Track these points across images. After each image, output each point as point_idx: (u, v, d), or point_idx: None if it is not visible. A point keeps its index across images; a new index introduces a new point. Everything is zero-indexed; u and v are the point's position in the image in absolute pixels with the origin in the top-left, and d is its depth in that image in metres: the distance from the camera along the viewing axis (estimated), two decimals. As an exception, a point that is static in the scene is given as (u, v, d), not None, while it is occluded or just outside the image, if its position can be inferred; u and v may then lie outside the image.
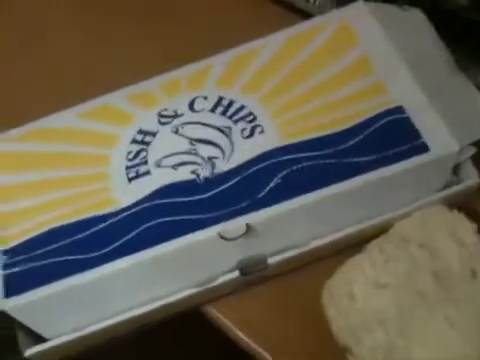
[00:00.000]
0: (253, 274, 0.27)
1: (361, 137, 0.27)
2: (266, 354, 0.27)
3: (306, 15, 0.37)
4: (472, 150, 0.26)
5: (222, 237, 0.26)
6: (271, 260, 0.27)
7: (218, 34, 0.36)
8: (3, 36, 0.40)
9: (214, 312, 0.29)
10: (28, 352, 0.26)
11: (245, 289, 0.28)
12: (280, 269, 0.28)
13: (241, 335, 0.28)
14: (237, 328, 0.28)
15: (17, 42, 0.39)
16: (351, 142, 0.27)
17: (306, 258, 0.28)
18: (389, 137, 0.27)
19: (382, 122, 0.28)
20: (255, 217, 0.26)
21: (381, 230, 0.27)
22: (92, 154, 0.30)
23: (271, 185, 0.27)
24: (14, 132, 0.31)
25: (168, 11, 0.39)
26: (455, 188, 0.27)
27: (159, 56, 0.36)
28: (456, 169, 0.27)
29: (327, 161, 0.27)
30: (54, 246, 0.27)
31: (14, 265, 0.27)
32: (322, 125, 0.28)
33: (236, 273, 0.27)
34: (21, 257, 0.27)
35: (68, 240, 0.27)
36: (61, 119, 0.31)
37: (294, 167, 0.27)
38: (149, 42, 0.37)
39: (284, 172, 0.27)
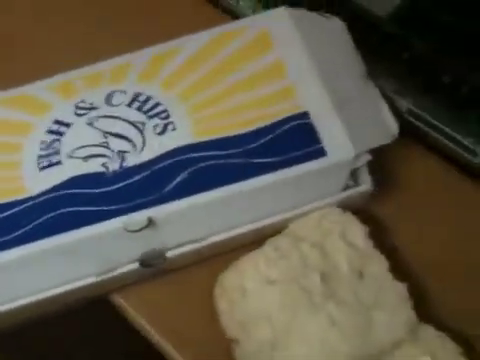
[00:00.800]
0: (153, 266, 0.28)
1: (266, 139, 0.29)
2: (165, 343, 0.29)
3: (236, 17, 0.38)
4: (367, 157, 0.28)
5: (125, 229, 0.27)
6: (170, 253, 0.28)
7: (152, 31, 0.37)
8: None
9: (120, 301, 0.30)
10: None
11: (149, 280, 0.30)
12: (179, 263, 0.29)
13: (143, 323, 0.29)
14: (141, 317, 0.30)
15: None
16: (257, 143, 0.29)
17: (205, 253, 0.29)
18: (291, 141, 0.28)
19: (287, 126, 0.29)
20: (158, 211, 0.27)
21: (280, 228, 0.29)
22: (6, 142, 0.30)
23: (177, 180, 0.28)
24: None
25: (107, 5, 0.40)
26: (349, 192, 0.28)
27: (87, 50, 0.36)
28: (353, 174, 0.29)
29: (233, 161, 0.28)
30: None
31: None
32: (233, 125, 0.29)
33: (136, 264, 0.28)
34: None
35: (-26, 225, 0.28)
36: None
37: (201, 164, 0.28)
38: (83, 35, 0.38)
39: (191, 169, 0.28)
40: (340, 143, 0.28)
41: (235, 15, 0.38)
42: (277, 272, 0.27)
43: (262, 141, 0.29)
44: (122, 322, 0.31)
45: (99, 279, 0.28)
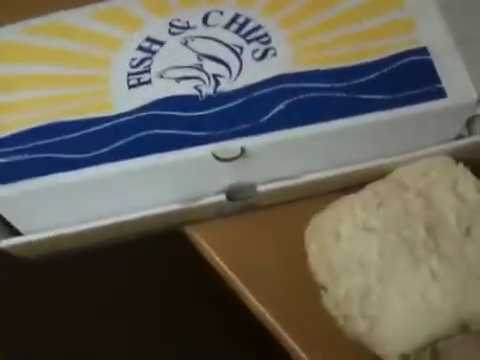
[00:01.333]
0: (240, 200, 0.27)
1: (377, 74, 0.26)
2: (239, 282, 0.27)
3: None
4: (488, 104, 0.25)
5: (215, 157, 0.26)
6: (261, 188, 0.26)
7: None
8: None
9: (194, 233, 0.29)
10: (3, 243, 0.26)
11: (230, 215, 0.28)
12: (269, 199, 0.27)
13: (217, 259, 0.28)
14: (214, 252, 0.28)
15: None
16: (366, 78, 0.26)
17: (298, 192, 0.27)
18: (407, 78, 0.26)
19: (403, 61, 0.26)
20: (252, 141, 0.25)
21: (380, 174, 0.26)
22: (96, 55, 0.28)
23: (274, 111, 0.26)
24: (24, 24, 0.30)
25: None
26: (466, 141, 0.26)
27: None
28: (469, 122, 0.26)
29: (338, 94, 0.26)
30: (44, 142, 0.26)
31: (0, 156, 0.27)
32: (339, 56, 0.27)
33: (222, 196, 0.26)
34: (8, 149, 0.27)
35: (59, 138, 0.26)
36: (70, 17, 0.30)
37: (302, 96, 0.26)
38: None
39: (290, 100, 0.26)
40: (461, 85, 0.25)
41: None
42: (376, 219, 0.25)
43: (373, 76, 0.26)
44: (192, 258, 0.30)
45: (182, 207, 0.26)
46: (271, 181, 0.26)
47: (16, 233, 0.27)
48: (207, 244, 0.29)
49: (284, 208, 0.28)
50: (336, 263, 0.25)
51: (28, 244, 0.27)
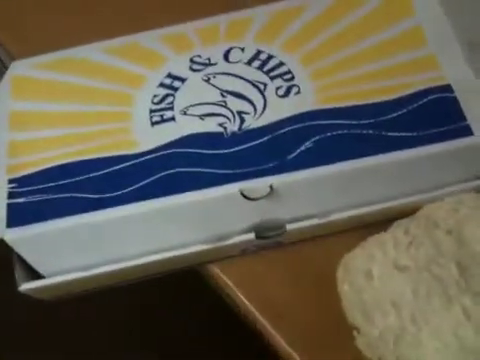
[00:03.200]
0: (269, 238, 0.26)
1: (404, 111, 0.26)
2: (264, 320, 0.27)
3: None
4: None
5: (243, 195, 0.25)
6: (289, 226, 0.26)
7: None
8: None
9: (218, 271, 0.28)
10: (24, 287, 0.25)
11: (256, 253, 0.28)
12: (297, 237, 0.27)
13: (241, 296, 0.27)
14: (238, 289, 0.27)
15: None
16: (392, 115, 0.26)
17: (326, 229, 0.27)
18: (433, 115, 0.26)
19: (428, 98, 0.26)
20: (280, 179, 0.25)
21: (410, 211, 0.26)
22: (117, 92, 0.28)
23: (301, 148, 0.26)
24: (42, 58, 0.30)
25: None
26: (494, 178, 0.26)
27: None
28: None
29: (364, 131, 0.26)
30: (66, 181, 0.26)
31: (20, 195, 0.26)
32: (364, 93, 0.27)
33: (251, 235, 0.26)
34: (29, 188, 0.26)
35: (81, 177, 0.26)
36: (89, 52, 0.30)
37: (328, 133, 0.26)
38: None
39: (317, 137, 0.26)
40: (488, 122, 0.25)
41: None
42: (408, 258, 0.25)
43: (398, 113, 0.26)
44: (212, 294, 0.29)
45: (210, 247, 0.26)
46: (299, 219, 0.26)
47: (35, 274, 0.27)
48: (231, 282, 0.28)
49: (311, 245, 0.27)
50: (369, 303, 0.25)
51: (50, 287, 0.26)
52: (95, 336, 0.46)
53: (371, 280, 0.25)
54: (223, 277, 0.28)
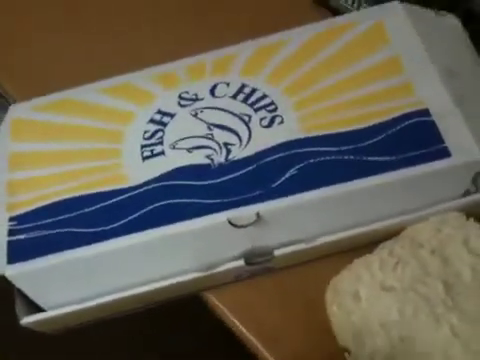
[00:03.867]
0: (258, 264, 0.27)
1: (383, 136, 0.27)
2: (258, 344, 0.27)
3: (336, 12, 0.37)
4: (494, 160, 0.26)
5: (231, 224, 0.26)
6: (277, 252, 0.26)
7: (249, 22, 0.36)
8: (48, 8, 0.40)
9: (213, 298, 0.29)
10: (25, 320, 0.26)
11: (248, 279, 0.28)
12: (286, 262, 0.28)
13: (236, 322, 0.28)
14: (233, 315, 0.28)
15: (61, 13, 0.39)
16: (372, 140, 0.27)
17: (313, 253, 0.27)
18: (411, 139, 0.26)
19: (406, 123, 0.27)
20: (266, 207, 0.26)
21: (394, 232, 0.27)
22: (108, 130, 0.29)
23: (286, 176, 0.27)
24: (40, 100, 0.31)
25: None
26: (474, 197, 0.26)
27: (192, 38, 0.36)
28: (476, 178, 0.27)
29: (346, 157, 0.27)
30: (62, 217, 0.27)
31: (20, 232, 0.27)
32: (344, 121, 0.28)
33: (241, 262, 0.26)
34: (28, 225, 0.27)
35: (76, 212, 0.27)
36: (84, 93, 0.31)
37: (311, 160, 0.27)
38: (184, 25, 0.38)
39: (301, 164, 0.27)
40: (465, 143, 0.26)
41: (336, 10, 0.37)
42: (394, 278, 0.25)
43: (378, 138, 0.27)
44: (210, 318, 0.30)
45: (201, 275, 0.27)
46: (286, 244, 0.27)
47: (36, 308, 0.27)
48: (225, 308, 0.28)
49: (300, 269, 0.28)
50: (358, 324, 0.25)
51: (50, 319, 0.27)
52: (97, 338, 0.45)
53: (359, 301, 0.25)
54: (218, 303, 0.29)
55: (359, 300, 0.25)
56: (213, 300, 0.29)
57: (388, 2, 0.32)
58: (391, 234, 0.27)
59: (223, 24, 0.37)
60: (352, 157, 0.27)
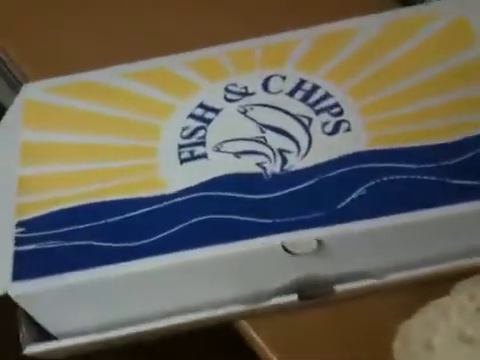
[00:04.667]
0: (313, 299, 0.23)
1: (469, 155, 0.22)
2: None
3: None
4: None
5: (286, 250, 0.21)
6: (339, 287, 0.22)
7: (300, 7, 0.31)
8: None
9: (249, 330, 0.24)
10: (29, 349, 0.21)
11: (295, 311, 0.24)
12: (345, 296, 0.23)
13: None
14: (272, 350, 0.23)
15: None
16: (458, 159, 0.22)
17: (380, 289, 0.23)
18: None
19: (499, 141, 0.23)
20: (329, 232, 0.21)
21: (472, 270, 0.23)
22: (141, 123, 0.25)
23: (353, 196, 0.22)
24: (58, 81, 0.26)
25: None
26: None
27: (234, 24, 0.30)
28: None
29: (426, 177, 0.22)
30: (82, 226, 0.22)
31: (29, 241, 0.22)
32: (424, 133, 0.23)
33: (294, 296, 0.22)
34: (39, 233, 0.22)
35: (99, 222, 0.22)
36: (112, 76, 0.26)
37: (385, 178, 0.22)
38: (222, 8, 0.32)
39: (372, 182, 0.22)
40: None
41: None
42: (476, 327, 0.21)
43: (462, 157, 0.22)
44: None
45: (244, 309, 0.22)
46: (349, 278, 0.22)
47: (43, 333, 0.23)
48: (264, 342, 0.24)
49: (359, 304, 0.23)
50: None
51: (60, 349, 0.22)
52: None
53: (432, 353, 0.21)
54: (254, 336, 0.24)
55: (433, 351, 0.22)
56: (249, 330, 0.25)
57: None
58: (470, 272, 0.23)
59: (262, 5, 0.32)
60: (434, 178, 0.22)
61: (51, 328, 0.22)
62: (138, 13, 0.33)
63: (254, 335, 0.24)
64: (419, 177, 0.22)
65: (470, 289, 0.22)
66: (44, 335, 0.22)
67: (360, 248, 0.22)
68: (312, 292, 0.22)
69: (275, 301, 0.22)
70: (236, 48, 0.27)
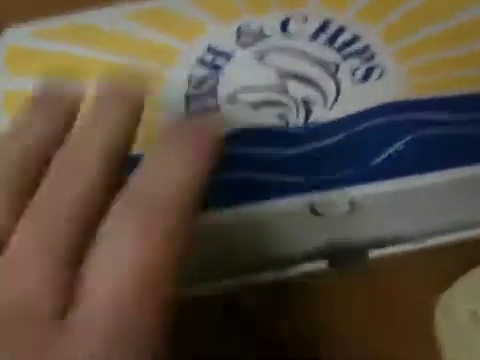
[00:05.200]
0: (345, 267, 0.20)
1: None
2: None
3: None
4: None
5: (314, 212, 0.19)
6: (373, 254, 0.20)
7: None
8: None
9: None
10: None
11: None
12: (380, 265, 0.21)
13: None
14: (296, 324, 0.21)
15: None
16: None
17: (416, 257, 0.20)
18: None
19: None
20: (362, 192, 0.19)
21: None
22: (143, 71, 0.22)
23: (389, 151, 0.19)
24: (46, 24, 0.23)
25: None
26: None
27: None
28: None
29: (471, 131, 0.19)
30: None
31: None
32: (468, 80, 0.20)
33: (324, 263, 0.20)
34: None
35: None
36: (104, 18, 0.23)
37: (425, 131, 0.19)
38: None
39: (409, 136, 0.19)
40: None
41: None
42: None
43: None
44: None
45: (268, 276, 0.20)
46: (385, 243, 0.20)
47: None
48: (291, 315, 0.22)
49: (394, 273, 0.21)
50: (476, 352, 0.19)
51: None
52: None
53: (477, 323, 0.19)
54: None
55: (477, 322, 0.19)
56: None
57: None
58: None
59: None
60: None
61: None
62: None
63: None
64: (463, 130, 0.19)
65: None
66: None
67: (397, 210, 0.19)
68: (344, 258, 0.20)
69: (303, 268, 0.20)
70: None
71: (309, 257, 0.19)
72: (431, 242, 0.19)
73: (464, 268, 0.20)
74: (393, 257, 0.20)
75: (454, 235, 0.19)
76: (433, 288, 0.20)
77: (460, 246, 0.20)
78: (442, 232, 0.20)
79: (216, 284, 0.20)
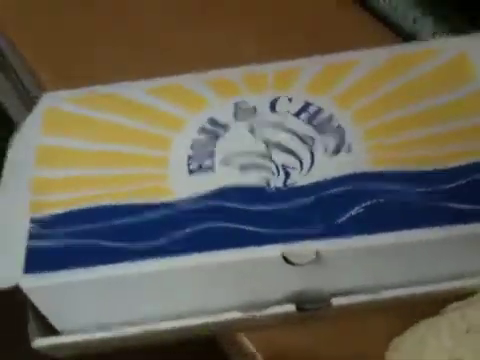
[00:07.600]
0: (310, 311, 0.22)
1: (468, 180, 0.22)
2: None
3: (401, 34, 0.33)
4: None
5: (286, 260, 0.22)
6: (336, 301, 0.22)
7: (314, 38, 0.32)
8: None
9: (243, 338, 0.24)
10: (38, 342, 0.21)
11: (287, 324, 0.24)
12: (340, 311, 0.23)
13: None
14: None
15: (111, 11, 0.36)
16: (454, 184, 0.22)
17: (375, 306, 0.23)
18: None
19: (491, 170, 0.23)
20: (328, 245, 0.21)
21: (466, 294, 0.22)
22: (155, 134, 0.25)
23: (352, 213, 0.22)
24: (77, 92, 0.27)
25: (265, 8, 0.35)
26: None
27: (250, 49, 0.32)
28: None
29: (421, 200, 0.22)
30: (95, 226, 0.22)
31: (43, 237, 0.22)
32: (421, 158, 0.23)
33: (292, 307, 0.22)
34: (53, 230, 0.22)
35: (108, 223, 0.22)
36: (130, 90, 0.27)
37: (382, 199, 0.22)
38: (242, 35, 0.33)
39: (369, 202, 0.22)
40: None
41: (385, 18, 0.33)
42: (466, 348, 0.21)
43: (461, 182, 0.22)
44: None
45: (244, 316, 0.22)
46: (346, 292, 0.22)
47: (49, 328, 0.23)
48: (260, 354, 0.24)
49: (350, 319, 0.23)
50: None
51: (67, 345, 0.22)
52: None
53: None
54: (249, 346, 0.24)
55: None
56: (243, 341, 0.24)
57: (471, 32, 0.28)
58: (464, 294, 0.22)
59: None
60: (429, 201, 0.22)
61: (58, 324, 0.22)
62: (153, 29, 0.34)
63: (251, 347, 0.24)
64: (414, 200, 0.22)
65: (462, 309, 0.22)
66: (51, 332, 0.22)
67: (356, 263, 0.22)
68: (310, 304, 0.22)
69: (273, 310, 0.22)
70: (250, 71, 0.27)
71: (279, 302, 0.22)
72: (387, 294, 0.22)
73: (416, 319, 0.22)
74: (354, 305, 0.22)
75: (407, 290, 0.22)
76: (387, 336, 0.22)
77: (413, 300, 0.23)
78: (397, 286, 0.22)
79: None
